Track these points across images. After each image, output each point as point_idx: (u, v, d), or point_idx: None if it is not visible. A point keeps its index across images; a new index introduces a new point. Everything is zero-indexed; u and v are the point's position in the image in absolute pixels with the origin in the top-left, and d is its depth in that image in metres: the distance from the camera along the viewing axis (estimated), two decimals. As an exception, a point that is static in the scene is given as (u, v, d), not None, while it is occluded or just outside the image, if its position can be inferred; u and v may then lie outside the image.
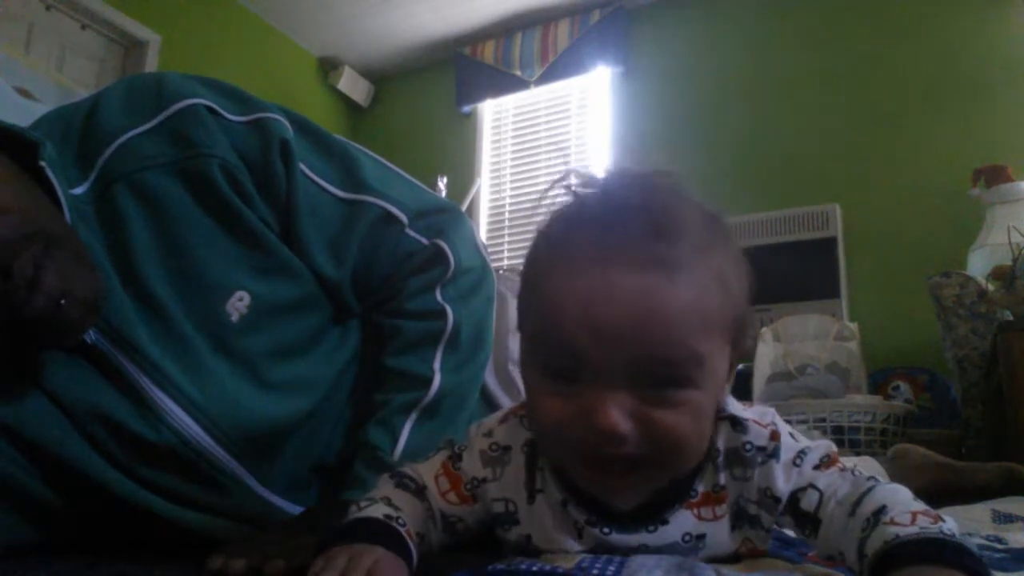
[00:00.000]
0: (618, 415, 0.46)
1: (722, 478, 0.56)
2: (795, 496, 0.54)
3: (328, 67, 4.40)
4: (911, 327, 2.81)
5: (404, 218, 0.83)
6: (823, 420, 2.11)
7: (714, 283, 0.48)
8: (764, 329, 2.65)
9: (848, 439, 2.07)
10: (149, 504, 0.72)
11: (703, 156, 3.40)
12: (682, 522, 0.55)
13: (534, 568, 0.50)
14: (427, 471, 0.61)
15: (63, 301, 0.63)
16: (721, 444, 0.56)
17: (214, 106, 0.77)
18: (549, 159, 4.00)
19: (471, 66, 4.14)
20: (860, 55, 3.27)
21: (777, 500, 0.54)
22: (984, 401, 2.16)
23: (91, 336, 0.70)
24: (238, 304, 0.76)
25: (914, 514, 0.46)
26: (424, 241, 0.84)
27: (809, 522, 0.53)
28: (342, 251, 0.82)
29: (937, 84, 3.08)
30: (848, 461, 0.58)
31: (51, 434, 0.69)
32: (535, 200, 0.53)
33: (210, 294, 0.75)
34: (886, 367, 2.78)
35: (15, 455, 0.70)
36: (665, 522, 0.55)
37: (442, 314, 0.83)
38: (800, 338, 2.58)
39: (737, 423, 0.56)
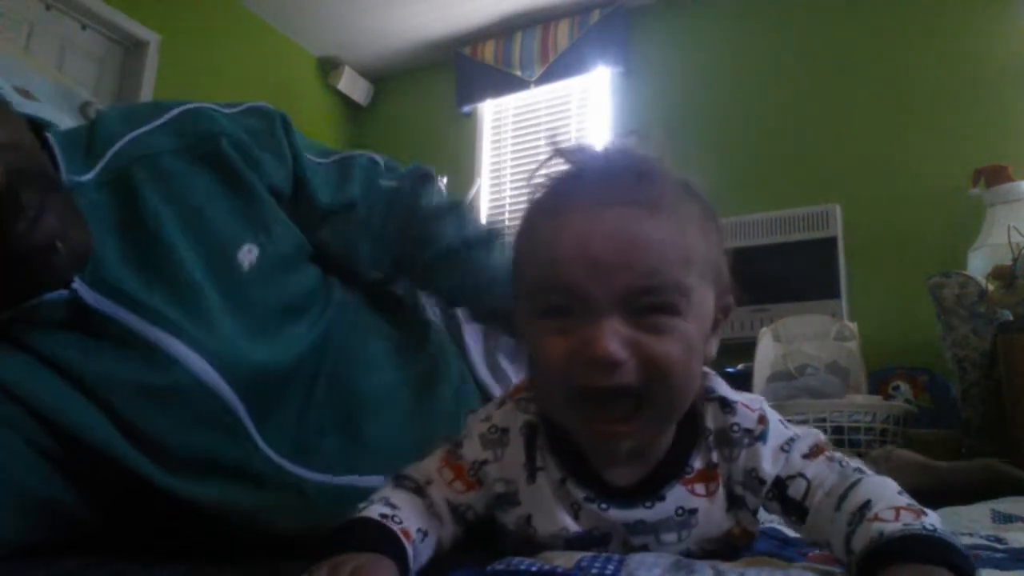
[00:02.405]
0: (613, 341, 0.48)
1: (715, 456, 0.57)
2: (783, 483, 0.55)
3: (328, 67, 4.39)
4: (911, 327, 2.81)
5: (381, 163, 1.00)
6: (823, 420, 2.11)
7: (693, 226, 0.52)
8: (764, 329, 2.65)
9: (848, 439, 2.07)
10: (151, 475, 0.72)
11: (703, 156, 3.39)
12: (677, 497, 0.56)
13: (533, 568, 0.50)
14: (430, 466, 0.61)
15: (59, 243, 0.66)
16: (711, 424, 0.57)
17: (211, 106, 0.85)
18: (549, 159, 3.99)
19: (471, 66, 4.14)
20: (861, 55, 3.27)
21: (762, 482, 0.56)
22: (984, 401, 2.16)
23: (93, 297, 0.71)
24: (248, 255, 0.81)
25: (898, 510, 0.47)
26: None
27: (796, 509, 0.54)
28: (345, 187, 0.94)
29: (937, 84, 3.08)
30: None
31: (57, 400, 0.69)
32: (530, 177, 0.58)
33: (223, 245, 0.80)
34: (886, 367, 2.78)
35: (28, 424, 0.69)
36: (662, 498, 0.56)
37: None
38: (800, 338, 2.58)
39: (726, 404, 0.57)
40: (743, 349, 2.76)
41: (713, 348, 0.56)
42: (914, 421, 2.26)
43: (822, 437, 0.57)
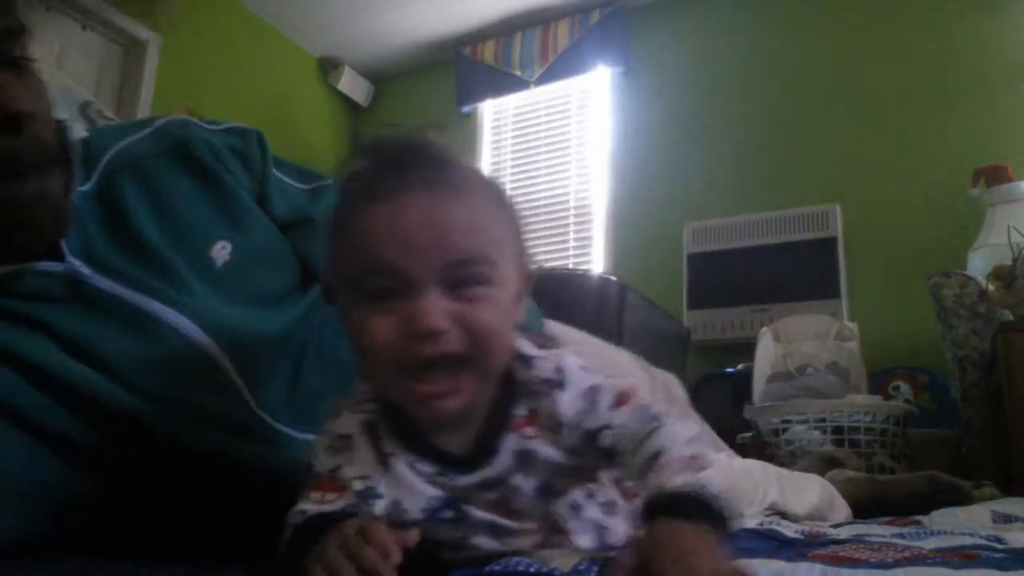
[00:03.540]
0: (435, 314, 0.54)
1: (531, 404, 0.61)
2: (593, 434, 0.58)
3: (328, 67, 4.39)
4: (911, 327, 2.81)
5: None
6: (823, 420, 2.11)
7: (490, 206, 0.59)
8: (764, 329, 2.65)
9: (848, 439, 2.07)
10: (143, 417, 0.74)
11: (703, 156, 3.40)
12: (512, 445, 0.60)
13: (531, 569, 0.50)
14: (302, 502, 0.62)
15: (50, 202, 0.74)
16: (520, 377, 0.61)
17: (194, 120, 0.92)
18: (549, 159, 4.00)
19: (471, 66, 4.14)
20: (861, 55, 3.27)
21: (562, 424, 0.59)
22: (984, 401, 2.16)
23: (84, 271, 0.76)
24: (221, 252, 0.85)
25: (682, 464, 0.51)
26: None
27: (610, 457, 0.58)
28: (308, 207, 0.95)
29: (937, 84, 3.08)
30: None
31: (60, 361, 0.73)
32: (338, 178, 0.63)
33: (196, 241, 0.84)
34: (886, 367, 2.78)
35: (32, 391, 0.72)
36: (496, 451, 0.59)
37: None
38: (800, 338, 2.58)
39: (525, 359, 0.61)
40: (743, 349, 2.76)
41: (520, 313, 0.62)
42: (914, 421, 2.26)
43: (629, 383, 0.61)
